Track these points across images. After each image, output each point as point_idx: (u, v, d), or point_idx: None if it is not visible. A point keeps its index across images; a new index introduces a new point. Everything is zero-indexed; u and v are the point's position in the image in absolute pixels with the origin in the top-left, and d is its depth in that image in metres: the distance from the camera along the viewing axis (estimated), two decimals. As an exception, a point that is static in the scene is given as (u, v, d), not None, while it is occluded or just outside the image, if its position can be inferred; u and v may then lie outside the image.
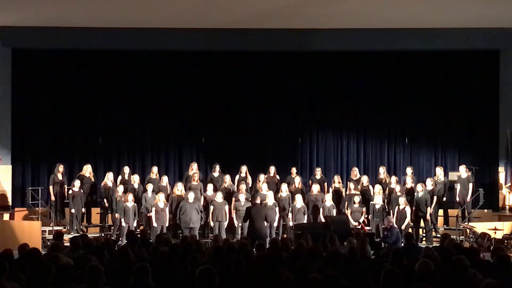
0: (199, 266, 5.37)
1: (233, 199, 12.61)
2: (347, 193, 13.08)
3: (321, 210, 12.41)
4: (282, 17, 12.90)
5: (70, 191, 12.81)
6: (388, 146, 15.03)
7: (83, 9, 12.40)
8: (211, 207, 12.26)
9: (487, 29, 13.66)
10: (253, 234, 10.38)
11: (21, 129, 14.30)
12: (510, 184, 13.77)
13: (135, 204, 12.32)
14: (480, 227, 11.61)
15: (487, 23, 13.35)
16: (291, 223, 12.19)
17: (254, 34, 13.68)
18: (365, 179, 13.24)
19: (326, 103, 14.89)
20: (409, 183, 12.88)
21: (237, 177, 13.36)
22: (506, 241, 10.94)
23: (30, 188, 13.30)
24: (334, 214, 12.30)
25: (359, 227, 11.92)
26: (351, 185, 12.99)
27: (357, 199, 12.50)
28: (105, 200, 12.93)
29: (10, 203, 13.74)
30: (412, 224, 12.35)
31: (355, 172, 13.57)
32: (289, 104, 14.92)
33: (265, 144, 14.84)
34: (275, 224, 12.23)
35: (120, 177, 13.35)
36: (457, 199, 13.23)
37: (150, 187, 12.70)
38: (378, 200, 12.36)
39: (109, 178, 13.09)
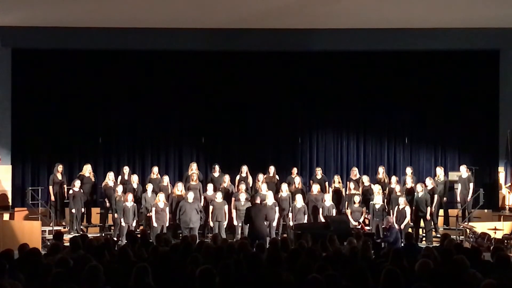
0: (199, 266, 5.37)
1: (233, 199, 12.61)
2: (347, 193, 13.09)
3: (320, 210, 12.41)
4: (282, 17, 12.90)
5: (71, 191, 12.80)
6: (388, 146, 15.03)
7: (83, 9, 12.41)
8: (211, 207, 12.28)
9: (487, 29, 13.68)
10: (253, 234, 10.39)
11: (21, 129, 14.29)
12: (510, 184, 13.76)
13: (135, 204, 12.32)
14: (480, 227, 11.62)
15: (487, 23, 13.36)
16: (291, 223, 12.20)
17: (254, 34, 13.68)
18: (365, 179, 13.23)
19: (326, 103, 14.89)
20: (409, 183, 12.87)
21: (237, 177, 13.36)
22: (506, 241, 10.94)
23: (30, 188, 13.28)
24: (334, 214, 12.30)
25: (359, 227, 11.92)
26: (351, 185, 13.00)
27: (357, 199, 12.51)
28: (106, 200, 12.94)
29: (10, 203, 13.73)
30: (412, 224, 12.35)
31: (355, 172, 13.57)
32: (289, 104, 14.93)
33: (265, 144, 14.83)
34: (275, 224, 12.23)
35: (120, 177, 13.35)
36: (458, 199, 13.24)
37: (150, 187, 12.70)
38: (378, 200, 12.35)
39: (110, 178, 13.09)
